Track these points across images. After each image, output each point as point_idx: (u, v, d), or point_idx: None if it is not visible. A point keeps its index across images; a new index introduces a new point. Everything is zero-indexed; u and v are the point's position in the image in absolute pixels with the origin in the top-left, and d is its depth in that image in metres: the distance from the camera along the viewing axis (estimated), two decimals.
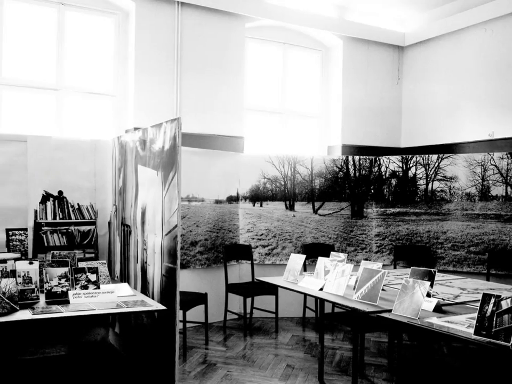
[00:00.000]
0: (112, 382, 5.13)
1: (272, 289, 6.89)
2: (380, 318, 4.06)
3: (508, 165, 7.26)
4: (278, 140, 8.73)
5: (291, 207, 7.92)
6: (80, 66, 7.22)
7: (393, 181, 8.01)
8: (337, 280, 4.86)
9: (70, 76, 7.14)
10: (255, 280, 7.28)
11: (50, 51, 7.03)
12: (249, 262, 7.49)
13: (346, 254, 5.59)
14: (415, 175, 7.89)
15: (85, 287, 4.68)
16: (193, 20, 7.64)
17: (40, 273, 4.70)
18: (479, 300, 3.41)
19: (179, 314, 4.50)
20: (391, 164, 8.03)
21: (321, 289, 4.98)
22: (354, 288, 4.71)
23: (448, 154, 7.78)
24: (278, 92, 8.81)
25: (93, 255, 6.07)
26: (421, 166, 7.86)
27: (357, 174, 8.08)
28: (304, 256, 5.64)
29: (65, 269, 4.67)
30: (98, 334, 5.89)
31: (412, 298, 3.95)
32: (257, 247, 7.73)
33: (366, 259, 7.64)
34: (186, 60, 7.60)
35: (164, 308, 4.46)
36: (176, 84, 7.52)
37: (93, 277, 4.76)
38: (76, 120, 7.17)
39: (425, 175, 7.83)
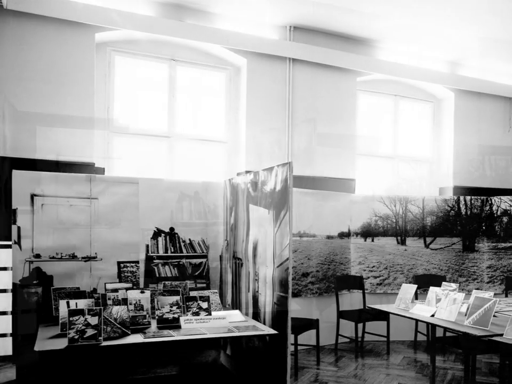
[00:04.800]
0: None
1: (383, 316, 7.00)
2: (491, 342, 4.22)
3: None
4: (389, 182, 9.03)
5: (402, 242, 8.06)
6: (191, 115, 7.62)
7: (505, 219, 8.10)
8: (449, 307, 5.06)
9: (181, 124, 7.54)
10: (366, 308, 7.38)
11: (162, 101, 7.45)
12: (361, 291, 7.61)
13: (458, 284, 5.72)
14: None
15: (196, 314, 4.74)
16: (304, 74, 8.02)
17: (152, 301, 4.89)
18: None
19: (290, 337, 4.56)
20: (503, 203, 8.14)
21: (432, 315, 5.18)
22: (465, 315, 4.88)
23: None
24: (389, 138, 9.15)
25: (204, 285, 6.17)
26: None
27: (468, 212, 8.19)
28: (416, 286, 5.86)
29: (177, 297, 4.75)
30: (210, 356, 5.92)
31: None
32: (368, 277, 7.88)
33: (477, 289, 7.69)
34: (297, 109, 7.95)
35: (275, 332, 4.56)
36: (287, 131, 7.85)
37: (204, 305, 4.83)
38: (187, 164, 7.55)
39: None
